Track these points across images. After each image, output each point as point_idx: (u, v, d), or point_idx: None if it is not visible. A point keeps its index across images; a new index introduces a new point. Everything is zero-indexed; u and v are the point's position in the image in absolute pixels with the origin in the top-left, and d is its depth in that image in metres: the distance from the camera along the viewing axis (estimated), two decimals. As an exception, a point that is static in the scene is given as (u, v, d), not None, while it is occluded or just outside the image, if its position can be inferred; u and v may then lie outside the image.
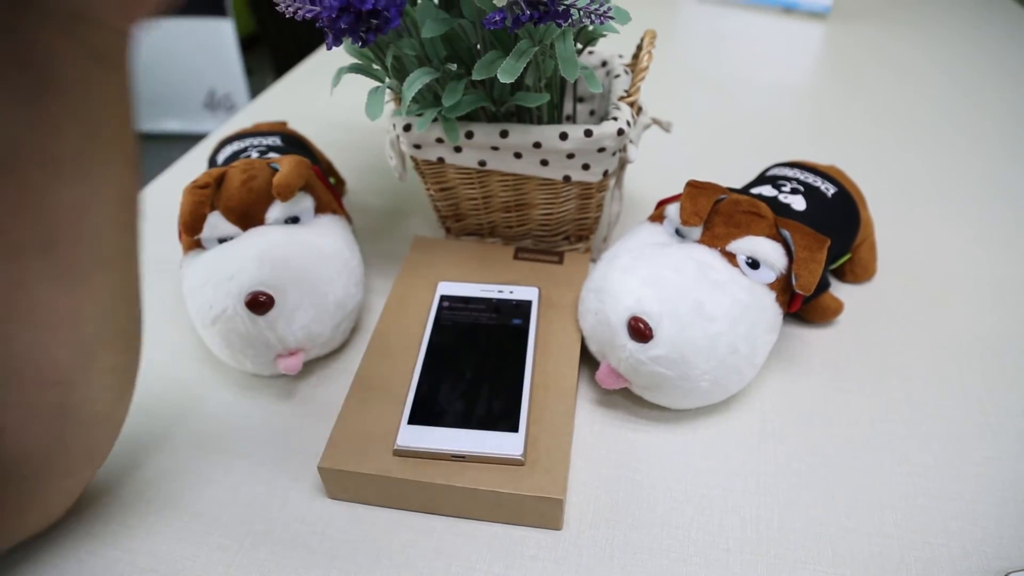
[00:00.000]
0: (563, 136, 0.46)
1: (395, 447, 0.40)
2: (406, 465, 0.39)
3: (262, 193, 0.48)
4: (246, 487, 0.42)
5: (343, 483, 0.40)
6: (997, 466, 0.42)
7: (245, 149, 0.55)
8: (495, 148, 0.48)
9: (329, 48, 0.40)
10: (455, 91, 0.44)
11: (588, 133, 0.46)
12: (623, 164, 0.51)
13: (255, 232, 0.47)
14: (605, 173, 0.49)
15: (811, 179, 0.52)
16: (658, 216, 0.49)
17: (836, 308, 0.51)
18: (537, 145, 0.47)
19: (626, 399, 0.46)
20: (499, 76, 0.41)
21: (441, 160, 0.49)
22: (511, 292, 0.50)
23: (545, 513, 0.39)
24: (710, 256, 0.44)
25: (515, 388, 0.43)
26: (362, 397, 0.43)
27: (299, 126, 0.65)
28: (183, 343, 0.51)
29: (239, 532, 0.40)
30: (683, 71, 0.90)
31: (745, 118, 0.79)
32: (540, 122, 0.50)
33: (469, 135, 0.47)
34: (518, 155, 0.48)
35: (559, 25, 0.40)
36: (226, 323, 0.44)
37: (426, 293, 0.51)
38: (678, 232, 0.47)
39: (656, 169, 0.69)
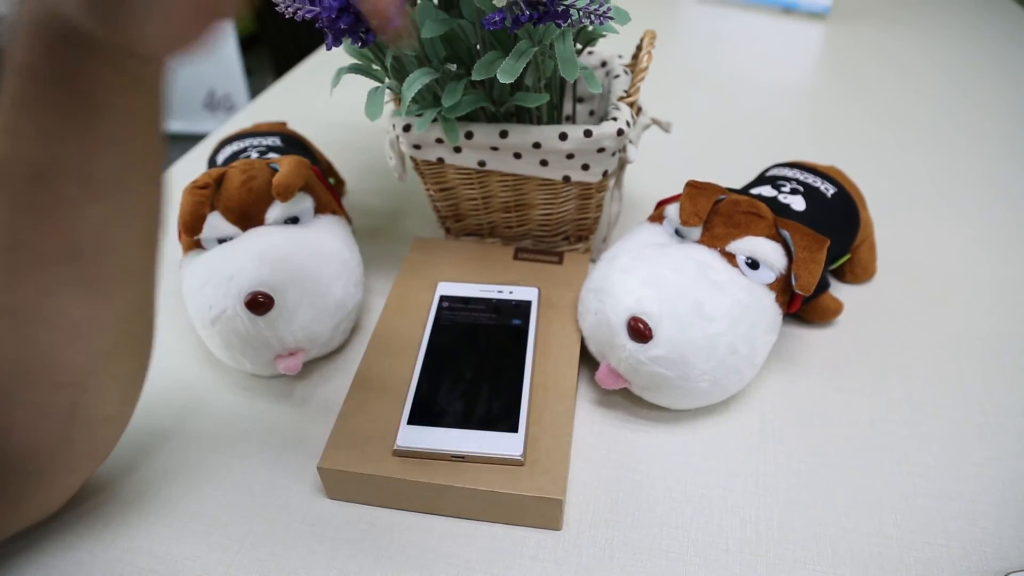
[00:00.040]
0: (563, 136, 0.46)
1: (395, 447, 0.40)
2: (406, 465, 0.39)
3: (262, 193, 0.48)
4: (246, 487, 0.42)
5: (343, 483, 0.40)
6: (997, 466, 0.42)
7: (245, 149, 0.55)
8: (495, 148, 0.48)
9: (329, 48, 0.40)
10: (455, 91, 0.44)
11: (588, 133, 0.46)
12: (623, 164, 0.51)
13: (255, 232, 0.47)
14: (605, 173, 0.49)
15: (811, 179, 0.52)
16: (658, 216, 0.49)
17: (836, 308, 0.51)
18: (537, 145, 0.47)
19: (626, 399, 0.46)
20: (499, 76, 0.41)
21: (441, 160, 0.49)
22: (511, 292, 0.50)
23: (545, 513, 0.39)
24: (710, 256, 0.44)
25: (515, 388, 0.43)
26: (362, 397, 0.43)
27: (299, 126, 0.65)
28: (183, 343, 0.51)
29: (239, 532, 0.40)
30: (683, 71, 0.90)
31: (745, 118, 0.79)
32: (540, 122, 0.50)
33: (469, 135, 0.47)
34: (518, 155, 0.48)
35: (559, 25, 0.40)
36: (226, 323, 0.44)
37: (426, 293, 0.51)
38: (678, 232, 0.47)
39: (656, 169, 0.69)
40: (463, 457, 0.39)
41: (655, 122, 0.56)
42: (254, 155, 0.53)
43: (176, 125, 2.16)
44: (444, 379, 0.44)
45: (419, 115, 0.47)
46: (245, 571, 0.38)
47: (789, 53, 0.95)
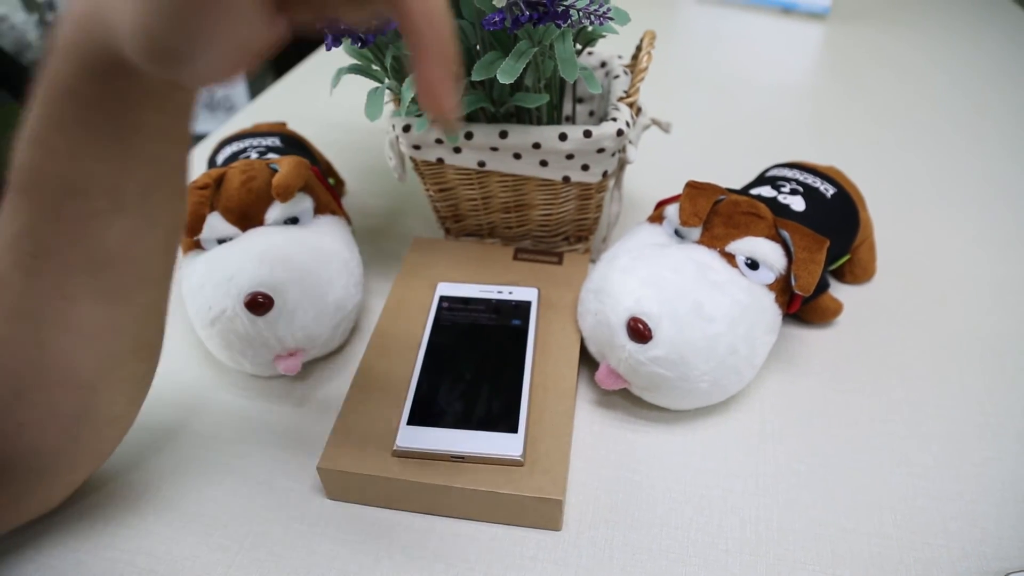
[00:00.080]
0: (562, 137, 0.46)
1: (394, 448, 0.40)
2: (405, 466, 0.39)
3: (261, 194, 0.48)
4: (245, 487, 0.42)
5: (342, 484, 0.40)
6: (997, 467, 0.42)
7: (244, 150, 0.55)
8: (494, 149, 0.48)
9: (328, 49, 0.40)
10: (454, 92, 0.44)
11: (587, 134, 0.46)
12: (622, 165, 0.51)
13: (254, 233, 0.47)
14: (604, 174, 0.49)
15: (810, 180, 0.52)
16: (657, 217, 0.49)
17: (835, 309, 0.51)
18: (536, 146, 0.47)
19: (625, 400, 0.46)
20: (498, 77, 0.41)
21: (440, 161, 0.49)
22: (510, 293, 0.50)
23: (544, 514, 0.39)
24: (709, 257, 0.44)
25: (514, 389, 0.43)
26: (361, 398, 0.43)
27: (298, 127, 0.65)
28: (182, 344, 0.51)
29: (239, 532, 0.40)
30: (682, 72, 0.90)
31: (744, 119, 0.79)
32: (539, 123, 0.50)
33: (468, 136, 0.47)
34: (517, 156, 0.48)
35: (558, 26, 0.40)
36: (225, 324, 0.44)
37: (425, 294, 0.51)
38: (677, 233, 0.47)
39: (655, 170, 0.69)
40: (463, 457, 0.39)
41: (655, 122, 0.56)
42: (254, 155, 0.53)
43: (176, 125, 2.16)
44: (444, 379, 0.44)
45: (419, 115, 0.47)
46: (245, 571, 0.38)
47: (789, 53, 0.95)
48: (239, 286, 0.43)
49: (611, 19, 0.41)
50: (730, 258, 0.44)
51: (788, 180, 0.52)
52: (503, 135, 0.47)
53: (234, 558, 0.38)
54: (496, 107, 0.48)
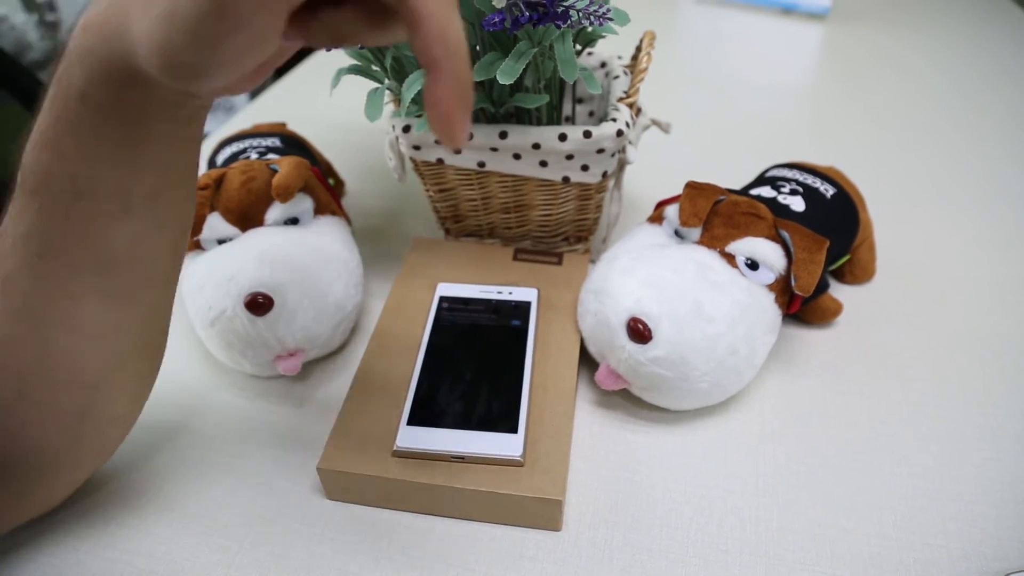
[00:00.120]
0: (562, 137, 0.46)
1: (394, 448, 0.40)
2: (405, 466, 0.39)
3: (261, 194, 0.48)
4: (245, 488, 0.42)
5: (342, 484, 0.40)
6: (996, 467, 0.42)
7: (244, 150, 0.55)
8: (494, 149, 0.48)
9: (328, 50, 0.40)
10: (454, 92, 0.44)
11: (587, 134, 0.46)
12: (622, 165, 0.51)
13: (254, 233, 0.47)
14: (604, 174, 0.49)
15: (810, 180, 0.52)
16: (657, 217, 0.49)
17: (835, 309, 0.51)
18: (536, 146, 0.47)
19: (625, 400, 0.46)
20: (498, 77, 0.41)
21: (440, 161, 0.49)
22: (510, 293, 0.50)
23: (544, 514, 0.39)
24: (709, 257, 0.44)
25: (514, 389, 0.43)
26: (361, 398, 0.43)
27: (298, 127, 0.65)
28: (182, 344, 0.51)
29: (238, 533, 0.40)
30: (682, 72, 0.90)
31: (744, 119, 0.79)
32: (539, 123, 0.50)
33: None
34: (517, 156, 0.48)
35: (558, 26, 0.40)
36: (225, 324, 0.44)
37: (425, 294, 0.51)
38: (677, 233, 0.47)
39: (655, 170, 0.69)
40: (463, 458, 0.39)
41: (654, 123, 0.56)
42: (254, 156, 0.53)
43: (176, 126, 2.16)
44: (444, 380, 0.44)
45: (419, 116, 0.47)
46: (244, 572, 0.38)
47: (789, 54, 0.95)
48: (239, 286, 0.43)
49: (611, 20, 0.41)
50: (730, 258, 0.44)
51: (788, 180, 0.52)
52: (503, 135, 0.47)
53: (234, 558, 0.38)
54: (496, 107, 0.48)
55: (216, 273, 0.45)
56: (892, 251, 0.58)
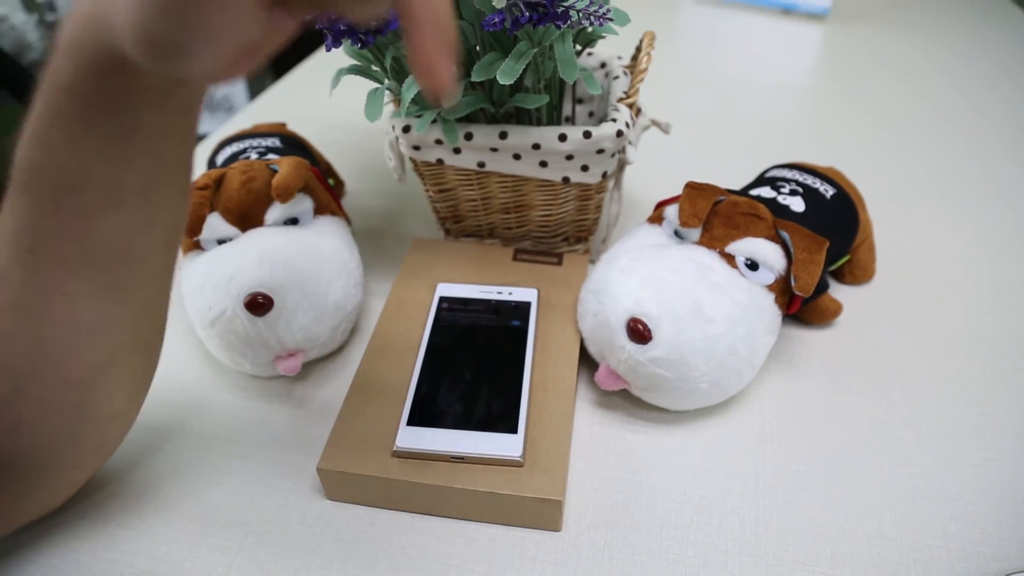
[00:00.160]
0: (562, 137, 0.46)
1: (394, 448, 0.40)
2: (405, 466, 0.39)
3: (261, 194, 0.48)
4: (245, 488, 0.42)
5: (342, 484, 0.40)
6: (996, 467, 0.42)
7: (244, 150, 0.55)
8: (494, 149, 0.48)
9: (328, 50, 0.40)
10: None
11: (587, 135, 0.46)
12: (622, 165, 0.51)
13: (254, 233, 0.47)
14: (604, 174, 0.49)
15: (810, 180, 0.52)
16: (657, 217, 0.49)
17: (835, 309, 0.51)
18: (536, 146, 0.47)
19: (625, 400, 0.46)
20: (498, 78, 0.41)
21: (440, 161, 0.49)
22: (510, 293, 0.50)
23: (544, 514, 0.39)
24: (709, 257, 0.44)
25: (514, 389, 0.43)
26: (361, 398, 0.43)
27: (298, 127, 0.65)
28: (182, 344, 0.51)
29: (238, 533, 0.40)
30: (682, 72, 0.90)
31: (744, 119, 0.79)
32: (539, 123, 0.50)
33: (468, 136, 0.47)
34: (517, 156, 0.48)
35: (558, 27, 0.40)
36: (225, 324, 0.44)
37: (425, 294, 0.51)
38: (677, 233, 0.47)
39: (655, 170, 0.69)
40: (462, 458, 0.39)
41: (654, 123, 0.56)
42: (253, 156, 0.53)
43: (176, 126, 2.16)
44: (443, 380, 0.44)
45: (418, 116, 0.47)
46: (244, 572, 0.38)
47: (788, 54, 0.95)
48: (239, 287, 0.43)
49: (611, 20, 0.41)
50: (730, 259, 0.44)
51: (788, 181, 0.52)
52: (503, 136, 0.47)
53: (234, 558, 0.38)
54: (496, 108, 0.48)
55: (216, 273, 0.45)
56: (892, 251, 0.58)
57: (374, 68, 0.47)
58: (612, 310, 0.43)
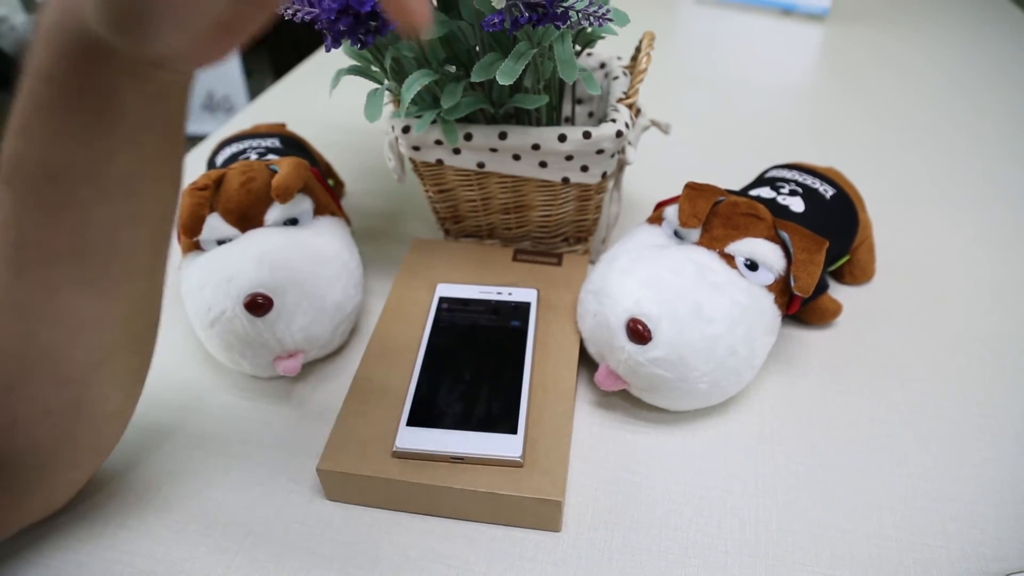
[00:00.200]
0: (562, 138, 0.46)
1: (394, 449, 0.40)
2: (405, 467, 0.39)
3: (261, 195, 0.48)
4: (245, 489, 0.42)
5: (342, 485, 0.40)
6: (996, 468, 0.42)
7: (244, 151, 0.55)
8: (494, 150, 0.48)
9: (328, 50, 0.40)
10: (454, 93, 0.44)
11: (587, 135, 0.46)
12: (622, 166, 0.51)
13: (254, 234, 0.47)
14: (604, 175, 0.49)
15: (809, 181, 0.52)
16: (657, 218, 0.49)
17: (835, 310, 0.51)
18: (536, 147, 0.47)
19: (625, 401, 0.46)
20: (498, 78, 0.41)
21: (440, 162, 0.49)
22: (510, 294, 0.50)
23: (544, 515, 0.39)
24: (709, 258, 0.44)
25: (514, 390, 0.43)
26: (361, 399, 0.43)
27: (298, 128, 0.65)
28: (182, 345, 0.51)
29: (238, 533, 0.40)
30: (682, 73, 0.90)
31: (744, 120, 0.79)
32: (539, 124, 0.50)
33: (468, 137, 0.47)
34: (517, 157, 0.48)
35: (558, 27, 0.40)
36: (225, 325, 0.44)
37: (425, 295, 0.51)
38: (677, 234, 0.47)
39: (655, 171, 0.69)
40: (462, 458, 0.39)
41: (654, 123, 0.56)
42: (253, 156, 0.53)
43: (176, 126, 2.16)
44: (443, 381, 0.44)
45: (418, 117, 0.47)
46: (244, 572, 0.38)
47: (788, 54, 0.95)
48: (239, 287, 0.43)
49: (610, 20, 0.41)
50: (729, 259, 0.44)
51: (787, 181, 0.52)
52: (502, 136, 0.47)
53: (234, 559, 0.38)
54: (495, 108, 0.48)
55: (216, 274, 0.45)
56: (892, 251, 0.58)
57: (374, 68, 0.47)
58: (612, 310, 0.43)
